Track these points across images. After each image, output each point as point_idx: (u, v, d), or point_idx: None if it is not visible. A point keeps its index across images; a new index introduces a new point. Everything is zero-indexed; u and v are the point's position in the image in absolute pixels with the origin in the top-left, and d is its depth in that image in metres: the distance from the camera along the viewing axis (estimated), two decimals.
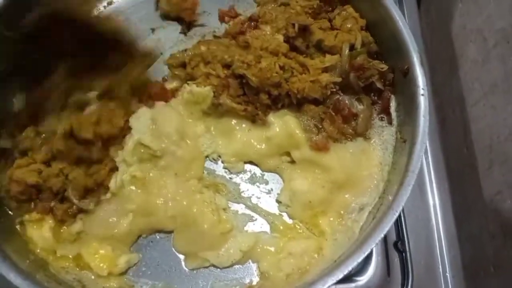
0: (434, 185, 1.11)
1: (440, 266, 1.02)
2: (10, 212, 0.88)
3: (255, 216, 0.92)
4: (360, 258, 0.70)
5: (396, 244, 0.99)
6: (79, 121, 0.86)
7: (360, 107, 0.92)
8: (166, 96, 0.97)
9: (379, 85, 0.92)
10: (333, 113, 0.92)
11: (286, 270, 0.80)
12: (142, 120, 0.91)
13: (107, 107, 0.91)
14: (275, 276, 0.79)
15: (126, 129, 0.91)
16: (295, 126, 0.91)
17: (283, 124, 0.92)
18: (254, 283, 0.79)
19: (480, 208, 1.07)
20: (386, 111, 0.93)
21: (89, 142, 0.87)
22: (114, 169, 0.90)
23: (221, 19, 1.08)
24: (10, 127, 0.92)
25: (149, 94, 0.96)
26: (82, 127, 0.86)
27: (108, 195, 0.87)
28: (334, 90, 0.91)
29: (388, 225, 0.72)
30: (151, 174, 0.89)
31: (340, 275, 0.69)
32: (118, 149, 0.91)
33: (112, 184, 0.87)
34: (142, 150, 0.89)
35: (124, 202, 0.87)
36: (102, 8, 1.09)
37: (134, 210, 0.87)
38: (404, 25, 0.87)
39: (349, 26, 0.96)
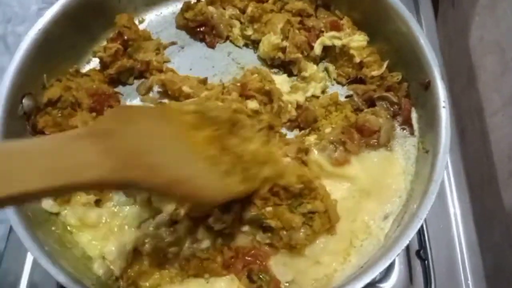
0: (454, 195, 1.12)
1: (462, 275, 1.03)
2: None
3: None
4: (387, 263, 0.73)
5: (418, 252, 1.01)
6: None
7: (380, 120, 0.94)
8: None
9: (392, 96, 0.96)
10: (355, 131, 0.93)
11: (313, 276, 0.82)
12: None
13: None
14: (302, 281, 0.82)
15: None
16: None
17: None
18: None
19: (501, 218, 1.08)
20: (408, 122, 0.96)
21: None
22: None
23: None
24: None
25: None
26: None
27: None
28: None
29: (413, 231, 0.74)
30: None
31: (367, 279, 0.72)
32: None
33: None
34: None
35: None
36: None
37: None
38: (425, 41, 0.90)
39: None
